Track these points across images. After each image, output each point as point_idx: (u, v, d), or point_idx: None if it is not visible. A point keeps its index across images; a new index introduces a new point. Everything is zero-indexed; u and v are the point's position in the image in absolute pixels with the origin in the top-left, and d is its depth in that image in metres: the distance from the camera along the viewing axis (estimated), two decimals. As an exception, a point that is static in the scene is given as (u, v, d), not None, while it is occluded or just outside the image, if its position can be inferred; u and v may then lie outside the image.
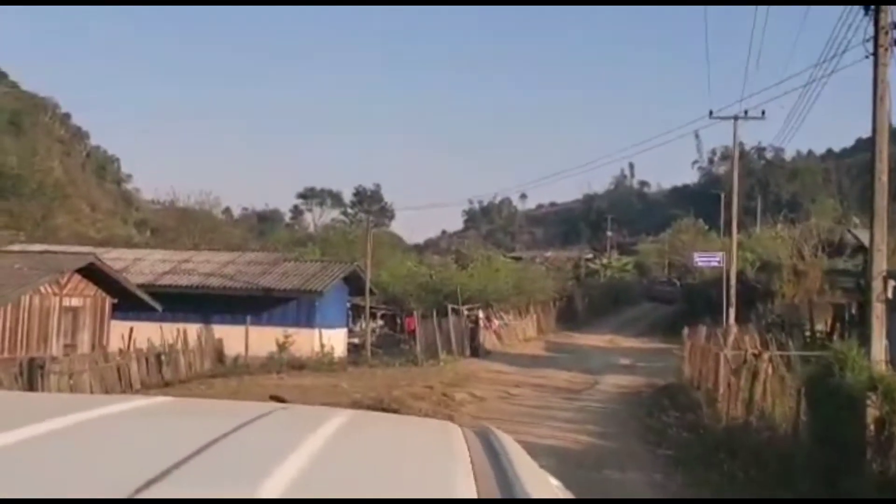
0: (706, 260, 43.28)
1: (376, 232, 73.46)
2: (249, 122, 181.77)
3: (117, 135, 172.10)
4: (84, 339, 28.13)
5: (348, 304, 38.40)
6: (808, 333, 26.67)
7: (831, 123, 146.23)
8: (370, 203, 71.99)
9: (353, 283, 36.80)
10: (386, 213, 79.74)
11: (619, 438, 16.23)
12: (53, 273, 26.76)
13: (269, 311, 33.09)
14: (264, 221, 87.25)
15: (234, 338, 31.28)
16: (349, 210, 79.53)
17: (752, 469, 11.27)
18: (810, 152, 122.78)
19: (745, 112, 34.36)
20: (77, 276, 27.88)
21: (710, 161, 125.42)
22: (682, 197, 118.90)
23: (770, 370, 12.34)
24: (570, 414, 18.22)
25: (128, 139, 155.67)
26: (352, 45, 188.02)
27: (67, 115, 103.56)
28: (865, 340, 20.47)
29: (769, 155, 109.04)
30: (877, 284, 12.13)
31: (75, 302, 27.95)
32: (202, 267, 35.41)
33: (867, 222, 13.54)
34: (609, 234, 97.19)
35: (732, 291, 34.92)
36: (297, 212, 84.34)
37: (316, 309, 33.38)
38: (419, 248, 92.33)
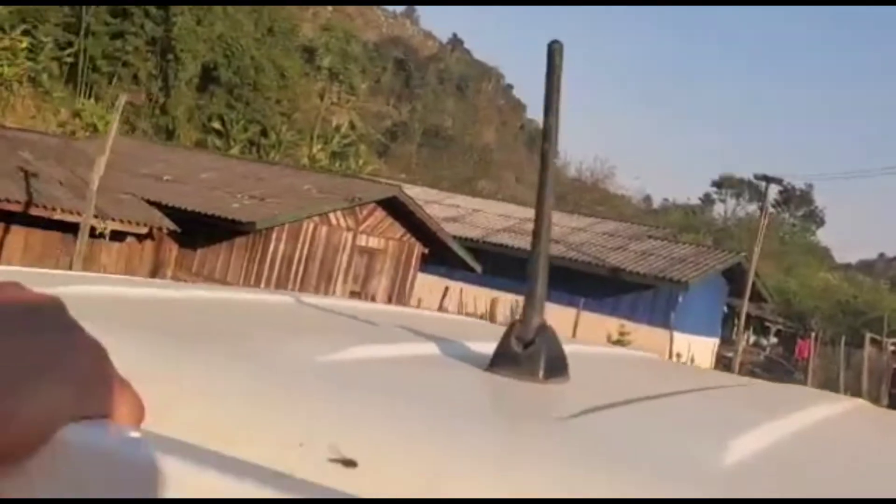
0: None
1: (795, 234, 60.60)
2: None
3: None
4: (378, 288, 22.16)
5: (725, 308, 28.58)
6: None
7: None
8: (797, 204, 59.42)
9: (738, 282, 26.98)
10: (814, 219, 65.91)
11: None
12: (347, 202, 20.96)
13: (614, 297, 24.71)
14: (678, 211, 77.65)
15: (559, 320, 22.94)
16: (771, 209, 67.03)
17: None
18: None
19: None
20: (380, 213, 21.88)
21: None
22: None
23: None
24: None
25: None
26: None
27: (510, 87, 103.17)
28: None
29: None
30: None
31: (373, 243, 22.02)
32: (547, 230, 27.91)
33: None
34: None
35: None
36: (707, 201, 73.13)
37: (677, 304, 24.34)
38: (847, 268, 76.56)
